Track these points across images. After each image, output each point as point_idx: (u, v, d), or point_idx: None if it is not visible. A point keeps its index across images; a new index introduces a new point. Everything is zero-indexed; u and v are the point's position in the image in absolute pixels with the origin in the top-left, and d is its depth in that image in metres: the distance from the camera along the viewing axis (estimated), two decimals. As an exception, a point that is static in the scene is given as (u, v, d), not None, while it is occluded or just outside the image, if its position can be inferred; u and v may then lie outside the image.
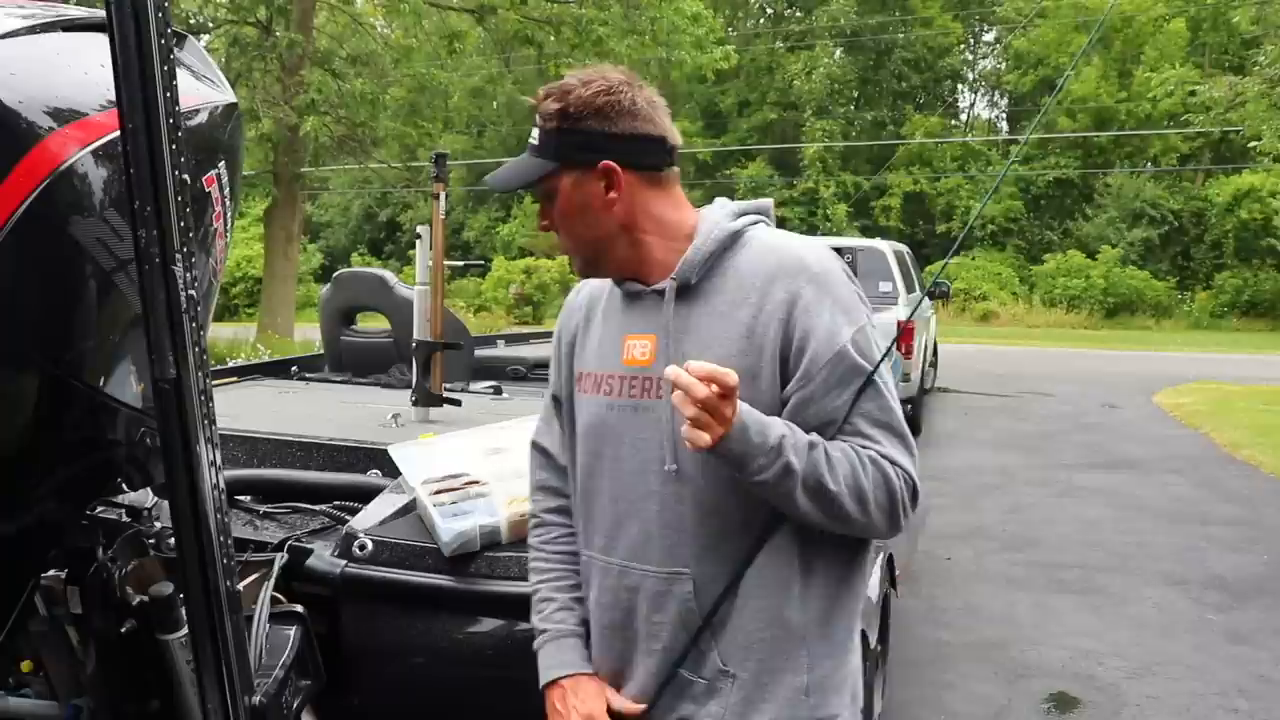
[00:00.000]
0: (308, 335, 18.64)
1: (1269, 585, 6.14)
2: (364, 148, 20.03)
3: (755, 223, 1.74)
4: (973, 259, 33.50)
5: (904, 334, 10.18)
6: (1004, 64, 39.83)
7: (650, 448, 1.69)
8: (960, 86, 41.47)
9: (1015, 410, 13.30)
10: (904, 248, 13.44)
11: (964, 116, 42.14)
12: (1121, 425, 12.24)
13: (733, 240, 1.70)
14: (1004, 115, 42.04)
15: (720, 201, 1.80)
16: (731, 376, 1.46)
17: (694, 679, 1.69)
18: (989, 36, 40.56)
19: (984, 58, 41.86)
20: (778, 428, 1.55)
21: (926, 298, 13.09)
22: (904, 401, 9.30)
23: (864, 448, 1.59)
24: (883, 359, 1.61)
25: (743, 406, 1.52)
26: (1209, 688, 4.60)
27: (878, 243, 12.27)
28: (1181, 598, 5.87)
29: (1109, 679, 4.68)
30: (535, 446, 1.99)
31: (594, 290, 1.88)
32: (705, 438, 1.49)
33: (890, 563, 3.78)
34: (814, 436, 1.58)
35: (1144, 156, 34.32)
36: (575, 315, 1.90)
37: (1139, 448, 10.73)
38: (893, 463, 1.60)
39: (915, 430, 10.72)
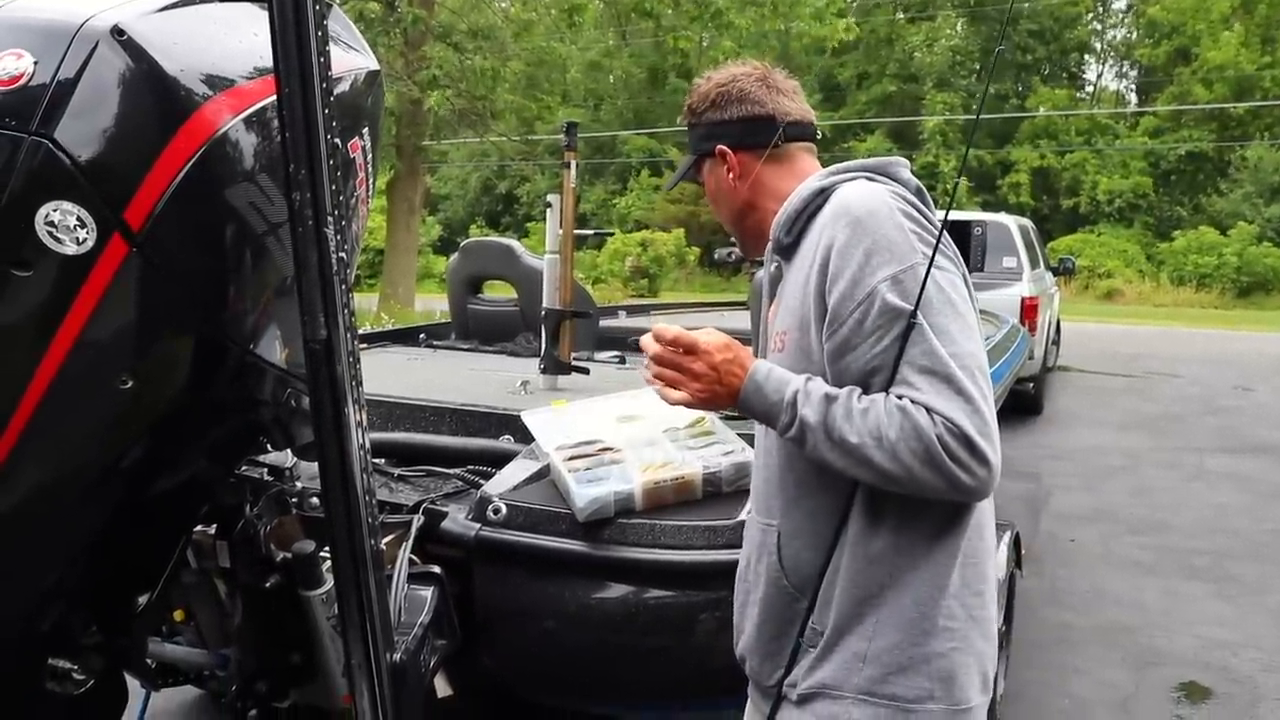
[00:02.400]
0: (428, 305, 19.00)
1: None
2: (483, 121, 20.22)
3: (852, 179, 1.71)
4: (1098, 235, 32.48)
5: (1027, 310, 9.94)
6: (1135, 33, 38.41)
7: None
8: (1087, 57, 40.14)
9: (1141, 390, 12.88)
10: (1029, 222, 13.09)
11: (1090, 89, 40.78)
12: (1256, 408, 11.76)
13: (819, 198, 1.70)
14: (1133, 87, 40.58)
15: (840, 165, 1.80)
16: (669, 332, 1.63)
17: (789, 632, 1.69)
18: (1119, 4, 39.14)
19: (1114, 26, 40.44)
20: (795, 384, 1.57)
21: (1051, 274, 12.74)
22: (1027, 380, 9.12)
23: (900, 396, 1.50)
24: (918, 302, 1.50)
25: (763, 365, 1.62)
26: (1353, 683, 4.40)
27: (1002, 217, 11.96)
28: (1322, 588, 5.63)
29: (1244, 671, 4.51)
30: None
31: None
32: (673, 394, 1.66)
33: (1017, 542, 3.70)
34: (838, 389, 1.54)
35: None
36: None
37: (1275, 432, 10.29)
38: (930, 409, 1.47)
39: (1036, 409, 10.53)
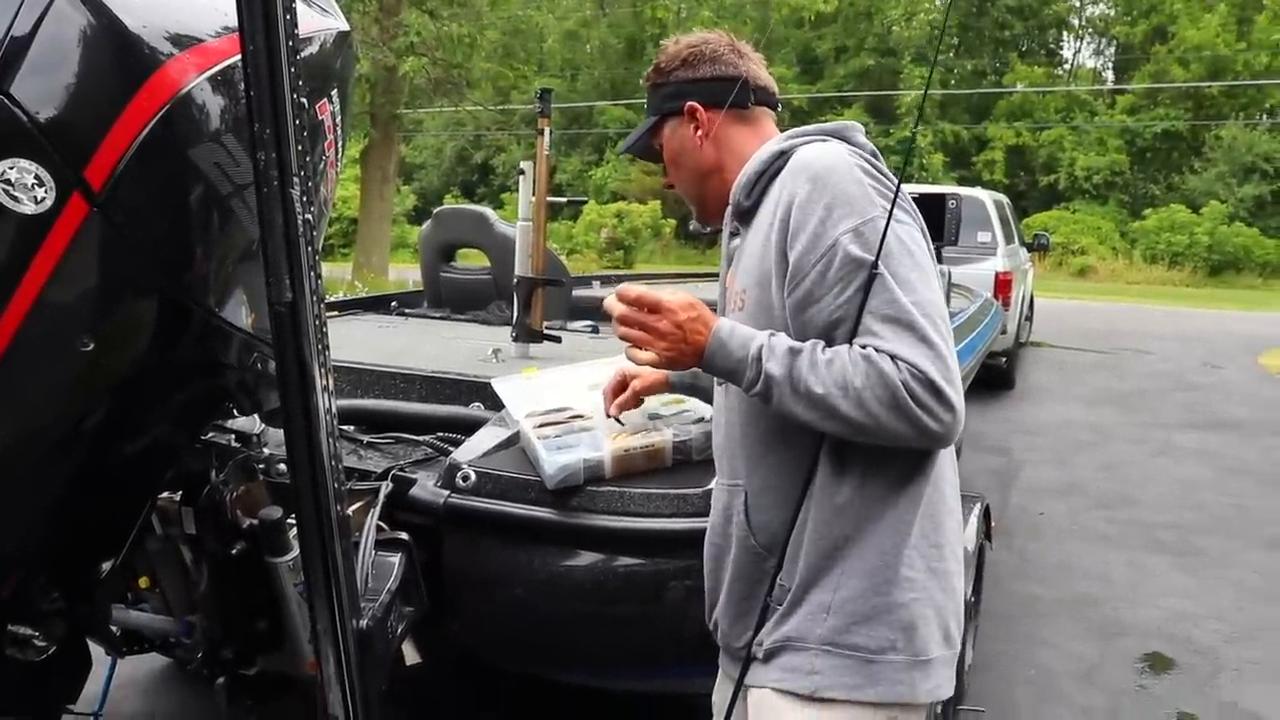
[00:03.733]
0: (402, 275, 18.90)
1: (1379, 553, 5.93)
2: (459, 89, 20.10)
3: (809, 141, 1.72)
4: (1073, 212, 32.63)
5: (1001, 285, 9.98)
6: (1113, 10, 38.46)
7: None
8: (1065, 34, 40.18)
9: (1112, 367, 12.97)
10: (1004, 198, 13.12)
11: (1067, 65, 40.85)
12: (1223, 385, 11.86)
13: (779, 160, 1.71)
14: (1110, 65, 40.68)
15: (797, 129, 1.81)
16: (632, 291, 1.63)
17: (758, 592, 1.70)
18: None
19: (1092, 3, 40.47)
20: (759, 339, 1.57)
21: (1025, 250, 12.79)
22: (999, 354, 9.18)
23: (864, 345, 1.52)
24: (879, 254, 1.52)
25: (726, 323, 1.61)
26: (1314, 655, 4.47)
27: (978, 192, 11.99)
28: (1285, 562, 5.70)
29: (1207, 642, 4.57)
30: None
31: None
32: (641, 354, 1.64)
33: (986, 514, 3.73)
34: (802, 343, 1.56)
35: (1259, 109, 32.96)
36: None
37: (1241, 409, 10.40)
38: (894, 357, 1.49)
39: (1008, 384, 10.60)
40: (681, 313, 1.60)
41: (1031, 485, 7.06)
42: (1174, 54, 33.66)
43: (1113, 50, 40.09)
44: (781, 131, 1.85)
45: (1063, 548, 5.77)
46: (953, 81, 36.51)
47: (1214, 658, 4.41)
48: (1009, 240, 11.33)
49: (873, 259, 1.53)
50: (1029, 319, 13.56)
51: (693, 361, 1.63)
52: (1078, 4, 39.46)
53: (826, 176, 1.60)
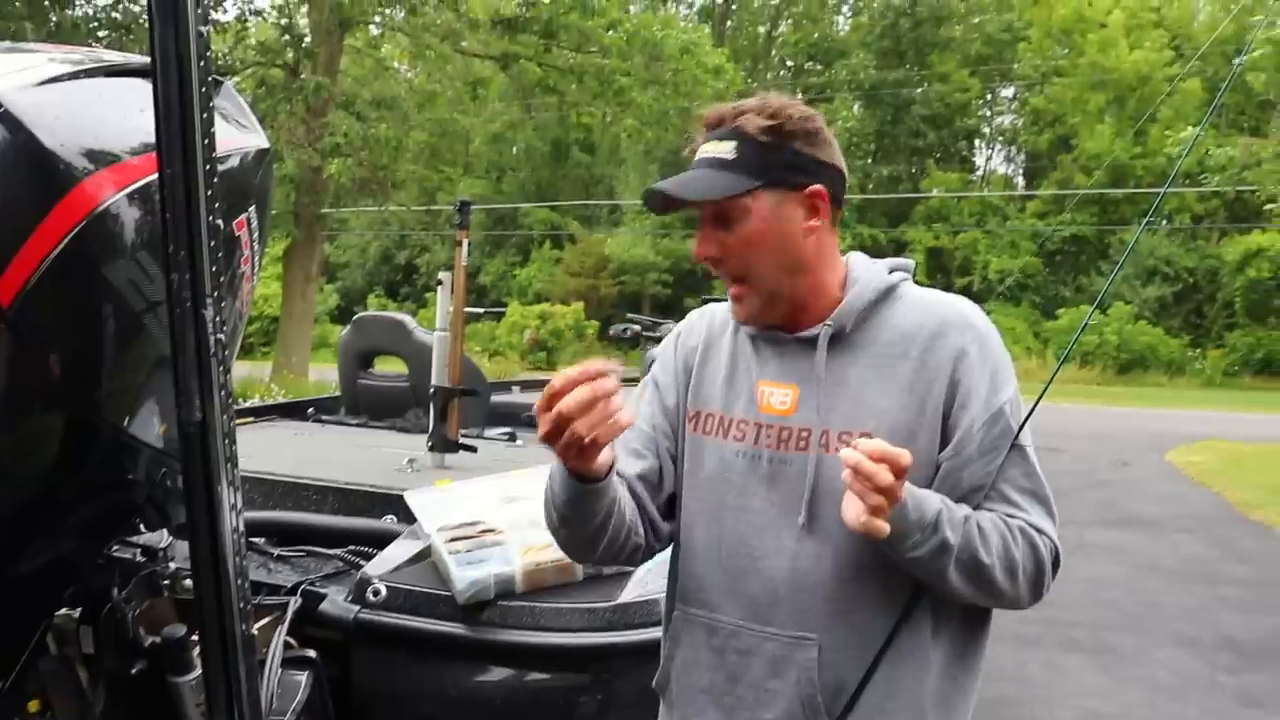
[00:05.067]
0: (324, 375, 18.70)
1: (1282, 649, 6.08)
2: (384, 190, 20.19)
3: (905, 279, 1.71)
4: (989, 313, 33.36)
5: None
6: (1021, 120, 40.04)
7: (787, 502, 1.61)
8: (977, 142, 41.67)
9: (1028, 466, 13.20)
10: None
11: (980, 172, 42.26)
12: (1133, 483, 12.17)
13: (888, 293, 1.65)
14: (1021, 170, 42.17)
15: (860, 255, 1.75)
16: (905, 457, 1.40)
17: None
18: (1007, 93, 40.82)
19: (1000, 114, 42.10)
20: (934, 502, 1.50)
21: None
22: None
23: (1012, 517, 1.56)
24: (1024, 423, 1.59)
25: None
26: (1222, 753, 4.55)
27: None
28: (1193, 659, 5.81)
29: (1121, 742, 4.63)
30: (623, 477, 1.70)
31: (714, 325, 1.79)
32: (885, 527, 1.41)
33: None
34: (966, 508, 1.54)
35: (1159, 214, 34.37)
36: (693, 344, 1.79)
37: (1151, 506, 10.66)
38: (1039, 531, 1.56)
39: (927, 484, 10.72)
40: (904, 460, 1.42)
41: (949, 586, 7.12)
42: (1078, 162, 35.05)
43: (1022, 158, 41.63)
44: None
45: (980, 649, 5.81)
46: (870, 186, 37.52)
47: (1127, 758, 4.46)
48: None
49: (1018, 429, 1.58)
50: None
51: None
52: (988, 114, 41.00)
53: (990, 339, 1.63)
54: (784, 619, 1.60)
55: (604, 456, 1.51)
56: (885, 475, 1.38)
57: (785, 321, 1.66)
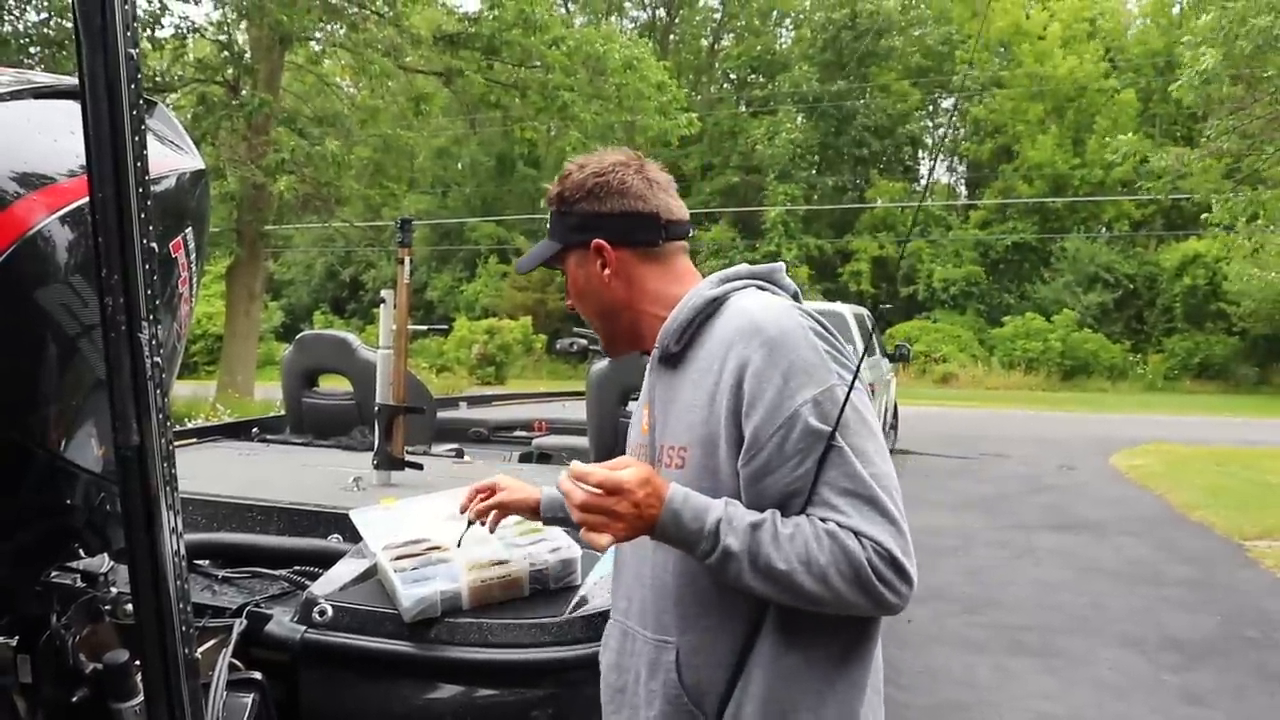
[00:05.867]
0: (269, 394, 18.50)
1: (1222, 646, 6.19)
2: (328, 206, 20.04)
3: (744, 288, 1.71)
4: (934, 322, 33.90)
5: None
6: (962, 131, 40.63)
7: None
8: (920, 152, 42.18)
9: (974, 472, 13.38)
10: (865, 310, 13.59)
11: (923, 182, 42.79)
12: (1078, 487, 12.35)
13: (711, 307, 1.68)
14: (963, 180, 42.73)
15: (726, 271, 1.78)
16: (593, 475, 1.49)
17: None
18: (947, 104, 41.36)
19: (941, 125, 42.67)
20: (715, 511, 1.52)
21: (887, 360, 13.21)
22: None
23: (824, 520, 1.50)
24: (837, 424, 1.51)
25: (679, 492, 1.53)
26: (1166, 751, 4.62)
27: (838, 306, 12.40)
28: (1138, 659, 5.90)
29: (1068, 743, 4.70)
30: None
31: None
32: (601, 539, 1.51)
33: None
34: (762, 515, 1.52)
35: (1098, 222, 35.04)
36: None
37: (1095, 509, 10.82)
38: (858, 534, 1.48)
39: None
40: (639, 490, 1.50)
41: (898, 592, 7.18)
42: (1019, 172, 35.61)
43: (964, 168, 42.19)
44: (692, 259, 1.84)
45: (929, 654, 5.88)
46: (815, 197, 37.86)
47: (1074, 758, 4.52)
48: (870, 353, 11.69)
49: (830, 429, 1.51)
50: (894, 428, 13.97)
51: (645, 533, 1.55)
52: (930, 125, 41.53)
53: (781, 341, 1.56)
54: (651, 623, 1.70)
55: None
56: (578, 492, 1.50)
57: (645, 348, 1.80)
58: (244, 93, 16.95)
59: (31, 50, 14.49)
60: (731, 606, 1.60)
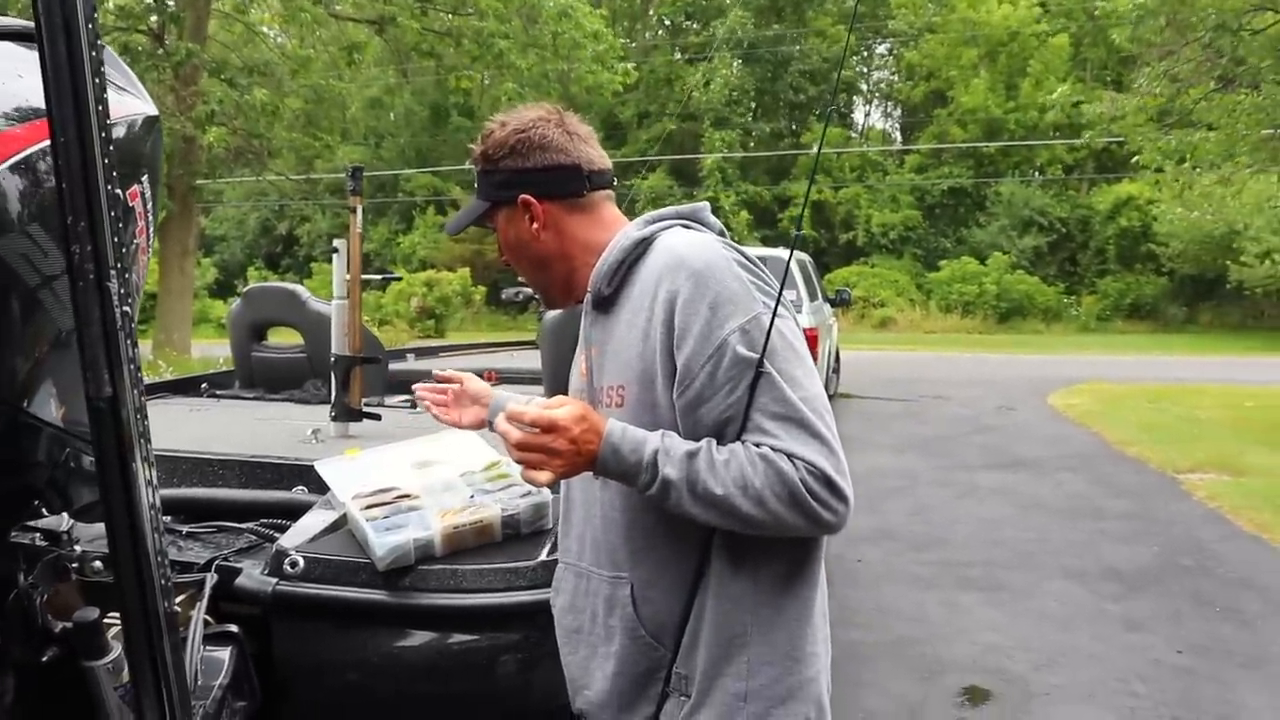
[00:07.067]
0: (206, 352, 18.25)
1: (1159, 575, 6.39)
2: (260, 159, 19.66)
3: (669, 227, 1.75)
4: (872, 267, 34.15)
5: (808, 341, 10.32)
6: (896, 76, 40.72)
7: None
8: (855, 98, 42.24)
9: (916, 414, 13.59)
10: (806, 256, 13.66)
11: (859, 127, 42.89)
12: (1017, 426, 12.59)
13: (639, 247, 1.73)
14: (897, 126, 42.93)
15: (652, 213, 1.81)
16: (527, 414, 1.53)
17: (651, 681, 1.70)
18: (881, 49, 41.43)
19: (877, 69, 42.73)
20: (652, 443, 1.57)
21: (829, 305, 13.31)
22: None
23: (758, 445, 1.54)
24: (764, 351, 1.55)
25: (616, 427, 1.57)
26: (1109, 674, 4.77)
27: (780, 251, 12.43)
28: (1080, 590, 6.07)
29: (1017, 671, 4.82)
30: None
31: None
32: (540, 476, 1.55)
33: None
34: (697, 444, 1.56)
35: (1031, 166, 35.41)
36: None
37: (1035, 448, 11.05)
38: (790, 455, 1.52)
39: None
40: (575, 427, 1.54)
41: (847, 534, 7.20)
42: (953, 116, 35.82)
43: (899, 113, 42.37)
44: (617, 206, 1.88)
45: (880, 592, 5.99)
46: (752, 144, 37.83)
47: (1024, 686, 4.65)
48: (813, 298, 11.77)
49: (759, 357, 1.55)
50: (836, 372, 14.11)
51: (586, 469, 1.59)
52: (864, 70, 41.59)
53: (707, 274, 1.60)
54: (604, 560, 1.76)
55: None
56: (514, 431, 1.54)
57: (580, 297, 1.83)
58: (169, 41, 16.51)
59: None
60: (680, 538, 1.65)
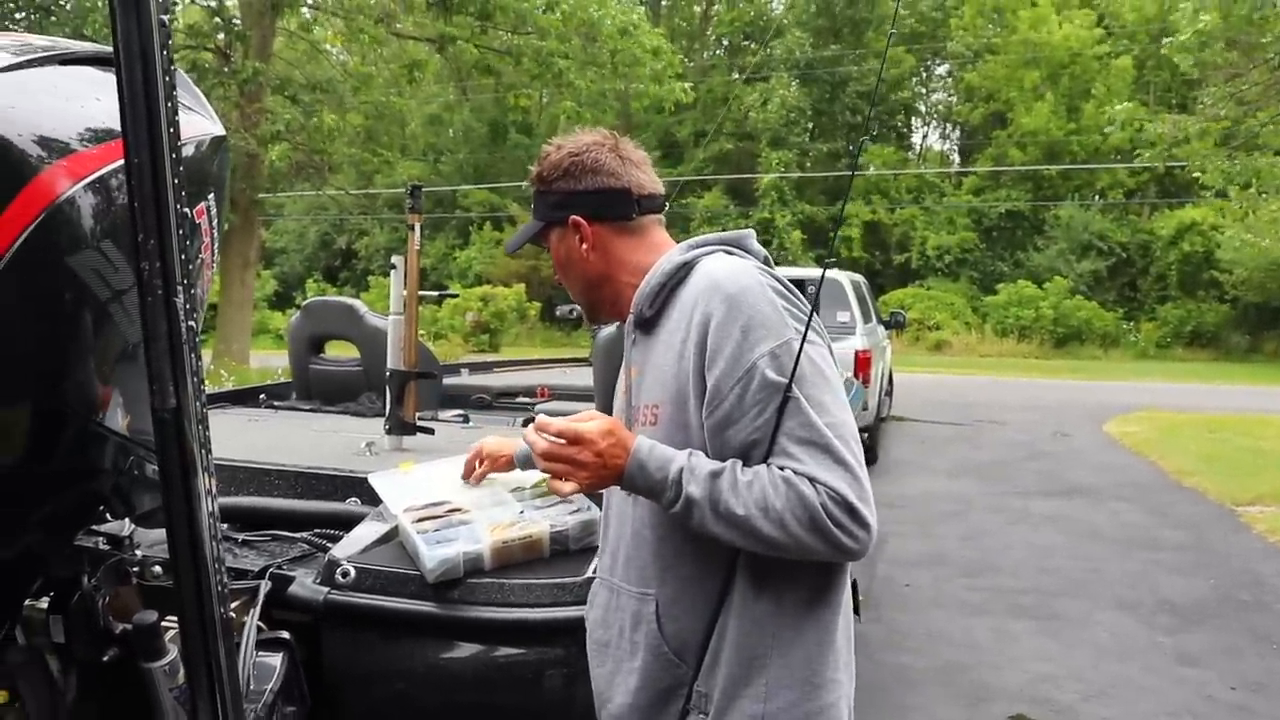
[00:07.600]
0: (264, 362, 18.51)
1: (1215, 608, 6.28)
2: (321, 174, 19.96)
3: (711, 252, 1.78)
4: (927, 289, 33.90)
5: (861, 363, 10.30)
6: (955, 97, 40.43)
7: None
8: (913, 119, 42.02)
9: (970, 438, 13.46)
10: (860, 277, 13.60)
11: (917, 148, 42.65)
12: (1073, 453, 12.43)
13: (681, 272, 1.77)
14: (956, 148, 42.62)
15: (696, 239, 1.86)
16: (553, 425, 1.63)
17: (672, 698, 1.73)
18: (941, 70, 41.19)
19: (935, 91, 42.50)
20: (679, 461, 1.61)
21: (883, 327, 13.24)
22: (861, 430, 9.66)
23: (782, 468, 1.57)
24: (793, 376, 1.58)
25: (645, 443, 1.64)
26: (1161, 708, 4.71)
27: (835, 273, 12.39)
28: (1134, 621, 5.99)
29: (1066, 701, 4.77)
30: None
31: None
32: (564, 486, 1.65)
33: (854, 587, 3.84)
34: (722, 464, 1.60)
35: (1092, 189, 34.97)
36: None
37: (1090, 475, 10.91)
38: (813, 480, 1.55)
39: (872, 458, 10.86)
40: (601, 441, 1.62)
41: (897, 557, 7.26)
42: (1013, 138, 35.51)
43: (957, 134, 42.06)
44: (667, 232, 1.92)
45: (929, 617, 5.95)
46: (808, 164, 37.73)
47: (1073, 716, 4.61)
48: (866, 319, 11.72)
49: (788, 381, 1.58)
50: (889, 395, 14.01)
51: (613, 483, 1.66)
52: (923, 91, 41.37)
53: (741, 298, 1.64)
54: (633, 576, 1.80)
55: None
56: (541, 442, 1.64)
57: (623, 318, 1.89)
58: (235, 59, 16.83)
59: (17, 17, 14.35)
60: (707, 558, 1.68)
